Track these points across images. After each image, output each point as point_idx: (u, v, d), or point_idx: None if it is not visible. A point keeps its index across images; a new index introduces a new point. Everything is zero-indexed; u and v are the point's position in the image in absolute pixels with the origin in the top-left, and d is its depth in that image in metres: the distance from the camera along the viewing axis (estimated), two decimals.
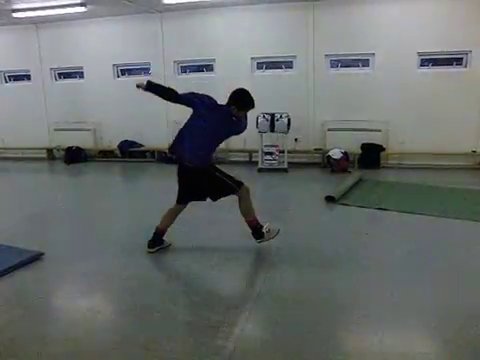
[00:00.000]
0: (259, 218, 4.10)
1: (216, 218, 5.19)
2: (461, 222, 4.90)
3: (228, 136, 4.21)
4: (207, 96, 4.01)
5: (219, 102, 4.00)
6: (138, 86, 4.08)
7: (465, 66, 8.54)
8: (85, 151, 10.43)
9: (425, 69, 8.71)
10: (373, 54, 8.78)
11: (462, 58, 8.53)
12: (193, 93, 4.03)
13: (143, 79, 4.04)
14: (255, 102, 3.85)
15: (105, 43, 10.09)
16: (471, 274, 3.49)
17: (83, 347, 2.55)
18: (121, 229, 4.97)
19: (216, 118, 3.82)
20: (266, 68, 9.49)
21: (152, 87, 4.02)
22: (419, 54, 8.63)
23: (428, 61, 8.69)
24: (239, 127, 3.97)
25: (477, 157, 8.63)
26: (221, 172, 4.01)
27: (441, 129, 8.51)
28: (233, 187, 3.92)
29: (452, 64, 8.60)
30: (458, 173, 8.16)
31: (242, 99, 3.82)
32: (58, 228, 5.05)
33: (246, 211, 4.03)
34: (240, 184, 3.97)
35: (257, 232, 4.05)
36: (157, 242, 4.06)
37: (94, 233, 4.84)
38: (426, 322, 2.79)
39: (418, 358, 2.41)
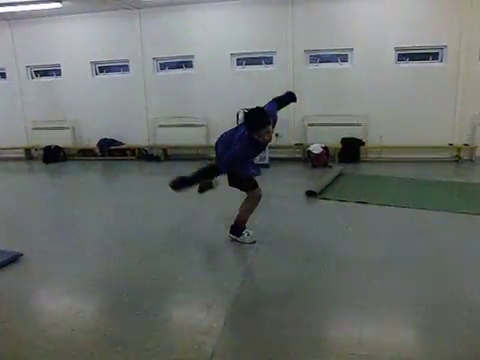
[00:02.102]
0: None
1: (198, 216, 5.18)
2: (440, 213, 4.99)
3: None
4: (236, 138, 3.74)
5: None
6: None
7: (441, 61, 8.69)
8: (64, 150, 10.28)
9: (402, 64, 8.83)
10: (352, 49, 8.87)
11: (438, 53, 8.68)
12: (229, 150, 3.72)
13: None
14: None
15: (82, 40, 9.94)
16: (450, 265, 3.56)
17: (61, 347, 2.52)
18: (102, 229, 4.91)
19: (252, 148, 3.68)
20: (246, 64, 9.48)
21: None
22: (396, 49, 8.74)
23: (405, 56, 8.81)
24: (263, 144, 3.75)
25: (454, 150, 8.80)
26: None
27: (419, 123, 8.64)
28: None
29: (428, 59, 8.75)
30: (436, 166, 8.31)
31: (246, 121, 3.61)
32: (37, 229, 4.96)
33: (243, 208, 4.08)
34: (255, 185, 4.02)
35: (236, 228, 4.07)
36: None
37: (74, 233, 4.78)
38: (407, 313, 2.83)
39: (399, 349, 2.44)
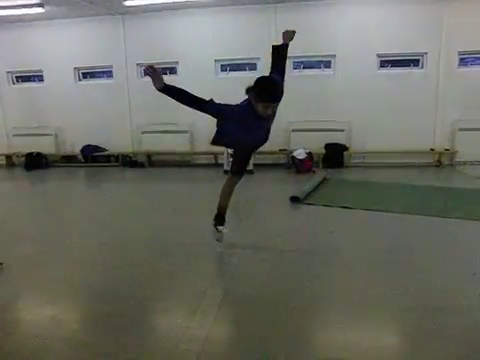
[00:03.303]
0: (227, 221, 4.12)
1: (183, 223, 5.16)
2: (423, 218, 5.05)
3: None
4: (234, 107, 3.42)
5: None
6: (152, 69, 3.18)
7: (422, 67, 8.85)
8: (46, 157, 10.14)
9: (385, 70, 8.97)
10: (334, 56, 8.97)
11: (419, 60, 8.85)
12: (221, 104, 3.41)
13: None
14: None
15: (65, 46, 9.85)
16: (435, 268, 3.59)
17: (41, 358, 2.47)
18: (84, 236, 4.85)
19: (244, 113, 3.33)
20: (230, 70, 9.52)
21: (169, 89, 3.28)
22: (378, 56, 8.88)
23: (387, 62, 8.95)
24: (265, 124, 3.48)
25: (435, 155, 8.94)
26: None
27: (401, 128, 8.77)
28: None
29: (410, 65, 8.91)
30: (418, 170, 8.44)
31: (256, 88, 3.21)
32: (18, 237, 4.87)
33: (221, 193, 4.04)
34: (235, 172, 3.93)
35: (216, 216, 4.11)
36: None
37: (56, 241, 4.70)
38: (392, 317, 2.85)
39: (382, 351, 2.46)
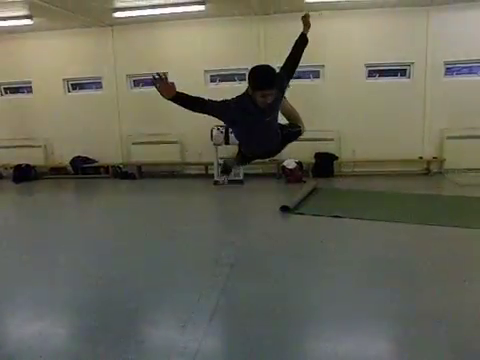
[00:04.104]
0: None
1: (173, 235, 5.13)
2: (412, 226, 5.09)
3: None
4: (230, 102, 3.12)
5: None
6: (160, 77, 2.91)
7: (409, 77, 8.97)
8: (35, 169, 10.04)
9: (372, 80, 9.07)
10: (323, 66, 9.05)
11: (406, 70, 8.97)
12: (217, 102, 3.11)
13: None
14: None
15: (54, 57, 9.82)
16: (424, 277, 3.62)
17: None
18: (73, 249, 4.79)
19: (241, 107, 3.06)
20: (220, 81, 9.56)
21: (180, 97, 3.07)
22: (366, 66, 8.99)
23: (375, 72, 9.06)
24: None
25: (424, 163, 9.03)
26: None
27: (390, 137, 8.85)
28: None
29: (397, 75, 9.02)
30: (407, 179, 8.51)
31: (249, 77, 2.98)
32: (5, 250, 4.81)
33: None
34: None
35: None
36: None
37: (44, 254, 4.64)
38: (379, 326, 2.85)
39: None
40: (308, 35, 3.36)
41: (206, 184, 8.60)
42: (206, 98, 3.07)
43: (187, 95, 3.05)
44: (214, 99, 3.07)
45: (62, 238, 5.31)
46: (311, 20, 3.37)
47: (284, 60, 3.29)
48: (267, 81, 2.94)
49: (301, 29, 3.36)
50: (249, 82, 3.00)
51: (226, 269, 3.93)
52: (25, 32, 9.48)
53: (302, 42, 3.38)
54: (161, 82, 2.91)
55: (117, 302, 3.33)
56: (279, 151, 3.69)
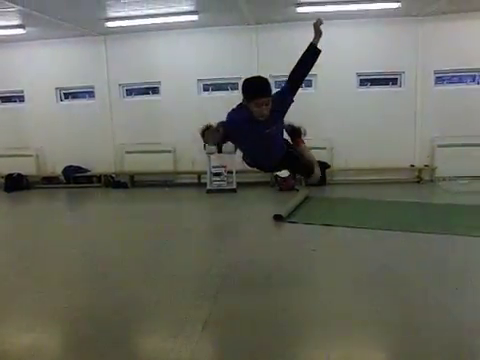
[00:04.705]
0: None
1: (165, 245, 5.11)
2: (404, 234, 5.10)
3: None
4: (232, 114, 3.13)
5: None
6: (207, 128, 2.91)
7: (400, 86, 9.08)
8: (27, 178, 9.98)
9: (364, 89, 9.16)
10: (316, 75, 9.12)
11: (397, 78, 9.08)
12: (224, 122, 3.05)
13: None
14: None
15: (47, 66, 9.82)
16: (416, 285, 3.62)
17: None
18: (65, 259, 4.75)
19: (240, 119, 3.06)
20: (212, 90, 9.60)
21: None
22: (358, 75, 9.08)
23: (367, 81, 9.16)
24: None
25: (415, 171, 9.10)
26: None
27: (381, 145, 8.93)
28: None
29: (388, 84, 9.13)
30: (399, 187, 8.57)
31: (243, 88, 3.00)
32: None
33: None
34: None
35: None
36: None
37: (36, 264, 4.59)
38: (373, 335, 2.85)
39: None
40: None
41: (199, 192, 8.60)
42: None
43: (222, 133, 2.95)
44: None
45: (51, 248, 5.26)
46: (323, 28, 3.20)
47: (289, 73, 3.18)
48: (259, 88, 2.94)
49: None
50: (243, 93, 3.01)
51: (218, 279, 3.91)
52: (18, 41, 9.49)
53: (311, 53, 3.20)
54: (209, 131, 2.91)
55: (108, 312, 3.30)
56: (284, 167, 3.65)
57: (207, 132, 2.92)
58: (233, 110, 3.16)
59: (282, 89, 3.20)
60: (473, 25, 8.51)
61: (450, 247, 4.64)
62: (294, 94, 3.19)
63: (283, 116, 3.26)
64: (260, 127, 3.07)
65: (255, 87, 2.96)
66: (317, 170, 3.67)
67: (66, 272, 4.27)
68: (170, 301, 3.48)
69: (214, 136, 2.94)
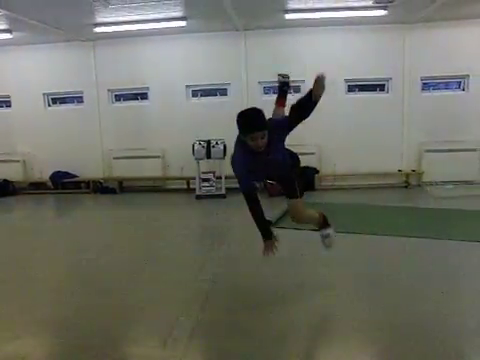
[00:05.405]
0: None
1: (152, 252, 5.08)
2: (392, 238, 5.14)
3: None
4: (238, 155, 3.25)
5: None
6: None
7: (387, 92, 9.18)
8: (14, 184, 9.86)
9: (352, 95, 9.24)
10: (304, 81, 9.16)
11: (384, 85, 9.18)
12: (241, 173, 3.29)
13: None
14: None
15: (34, 71, 9.73)
16: (403, 288, 3.65)
17: None
18: (51, 266, 4.71)
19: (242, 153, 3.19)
20: (201, 95, 9.61)
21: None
22: (346, 81, 9.16)
23: (355, 87, 9.24)
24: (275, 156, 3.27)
25: (403, 176, 9.19)
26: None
27: (369, 151, 9.00)
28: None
29: (376, 90, 9.23)
30: (387, 192, 8.63)
31: (237, 123, 3.07)
32: None
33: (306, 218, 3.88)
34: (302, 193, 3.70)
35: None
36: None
37: (21, 272, 4.54)
38: (359, 338, 2.86)
39: None
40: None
41: (188, 198, 8.58)
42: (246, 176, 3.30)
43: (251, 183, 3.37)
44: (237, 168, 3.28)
45: (36, 255, 5.20)
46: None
47: (292, 106, 3.26)
48: (253, 124, 2.99)
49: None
50: (238, 127, 3.07)
51: (206, 285, 3.90)
52: (4, 46, 9.40)
53: (309, 104, 3.19)
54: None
55: (95, 319, 3.27)
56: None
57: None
58: (235, 152, 3.27)
59: (283, 121, 3.31)
60: (459, 32, 8.65)
61: (437, 251, 4.69)
62: (291, 130, 3.28)
63: (283, 141, 3.34)
64: (262, 155, 3.15)
65: (248, 123, 3.00)
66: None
67: (51, 279, 4.22)
68: (158, 308, 3.46)
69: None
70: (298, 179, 3.63)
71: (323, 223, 3.86)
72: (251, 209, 3.36)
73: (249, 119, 3.02)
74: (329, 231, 3.81)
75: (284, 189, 3.70)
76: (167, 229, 6.23)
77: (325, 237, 3.81)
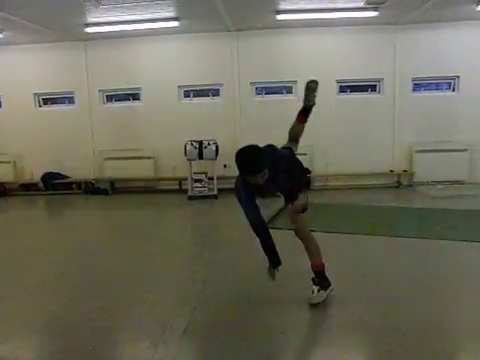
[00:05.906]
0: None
1: (143, 253, 5.06)
2: (382, 238, 5.16)
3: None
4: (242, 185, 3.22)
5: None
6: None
7: (379, 92, 9.22)
8: (4, 185, 9.78)
9: (344, 95, 9.27)
10: (296, 81, 9.20)
11: (376, 85, 9.22)
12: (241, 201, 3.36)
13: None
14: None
15: (25, 71, 9.66)
16: (393, 287, 3.67)
17: None
18: (41, 267, 4.65)
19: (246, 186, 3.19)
20: (193, 96, 9.60)
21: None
22: (338, 81, 9.19)
23: (346, 88, 9.28)
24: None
25: (395, 176, 9.24)
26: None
27: (361, 151, 9.05)
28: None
29: (368, 91, 9.26)
30: (379, 192, 8.68)
31: (236, 162, 3.01)
32: None
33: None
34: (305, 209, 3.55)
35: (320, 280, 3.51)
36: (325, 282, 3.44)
37: (10, 273, 4.49)
38: (351, 338, 2.87)
39: None
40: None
41: (180, 199, 8.56)
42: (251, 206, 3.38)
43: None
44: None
45: (26, 256, 5.15)
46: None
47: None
48: (251, 170, 2.95)
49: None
50: (237, 167, 3.02)
51: (198, 285, 3.89)
52: None
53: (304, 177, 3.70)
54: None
55: (86, 320, 3.24)
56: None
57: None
58: (237, 182, 3.29)
59: (286, 156, 3.50)
60: (449, 34, 8.73)
61: (428, 250, 4.71)
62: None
63: (287, 171, 3.36)
64: (268, 183, 3.14)
65: (246, 168, 2.98)
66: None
67: (41, 281, 4.18)
68: (149, 308, 3.44)
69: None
70: (304, 193, 3.59)
71: (322, 272, 3.53)
72: (262, 244, 3.42)
73: (247, 163, 2.97)
74: (323, 295, 3.38)
75: (287, 199, 3.73)
76: (159, 230, 6.21)
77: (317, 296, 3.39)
